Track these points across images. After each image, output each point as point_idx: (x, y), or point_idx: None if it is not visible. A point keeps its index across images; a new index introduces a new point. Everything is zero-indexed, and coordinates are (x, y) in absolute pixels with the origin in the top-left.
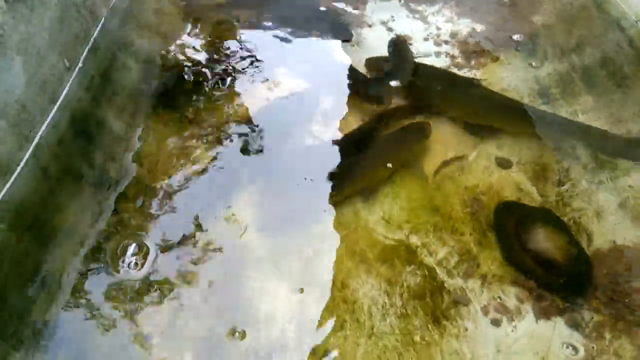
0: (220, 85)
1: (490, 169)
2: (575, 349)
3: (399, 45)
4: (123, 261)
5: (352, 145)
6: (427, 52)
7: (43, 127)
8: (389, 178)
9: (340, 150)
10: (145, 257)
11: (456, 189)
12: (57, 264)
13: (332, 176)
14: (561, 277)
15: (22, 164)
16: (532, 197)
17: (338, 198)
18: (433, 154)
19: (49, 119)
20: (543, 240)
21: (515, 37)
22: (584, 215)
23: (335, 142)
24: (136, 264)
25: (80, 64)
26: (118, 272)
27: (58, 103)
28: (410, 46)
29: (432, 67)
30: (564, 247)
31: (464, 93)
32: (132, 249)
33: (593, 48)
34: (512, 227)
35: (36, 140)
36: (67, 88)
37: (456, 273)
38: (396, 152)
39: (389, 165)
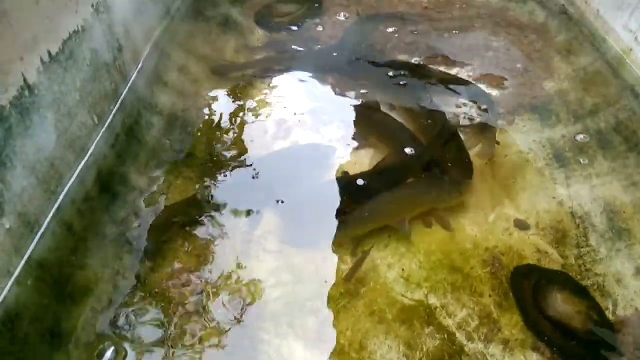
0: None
1: (509, 230)
2: None
3: None
4: None
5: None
6: None
7: (70, 184)
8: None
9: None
10: None
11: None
12: (74, 322)
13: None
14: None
15: (48, 220)
16: (552, 260)
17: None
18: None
19: (75, 175)
20: (562, 305)
21: (529, 102)
22: (606, 281)
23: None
24: None
25: (108, 121)
26: None
27: (85, 159)
28: None
29: None
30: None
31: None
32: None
33: (607, 113)
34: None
35: (62, 196)
36: (94, 145)
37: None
38: (426, 199)
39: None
